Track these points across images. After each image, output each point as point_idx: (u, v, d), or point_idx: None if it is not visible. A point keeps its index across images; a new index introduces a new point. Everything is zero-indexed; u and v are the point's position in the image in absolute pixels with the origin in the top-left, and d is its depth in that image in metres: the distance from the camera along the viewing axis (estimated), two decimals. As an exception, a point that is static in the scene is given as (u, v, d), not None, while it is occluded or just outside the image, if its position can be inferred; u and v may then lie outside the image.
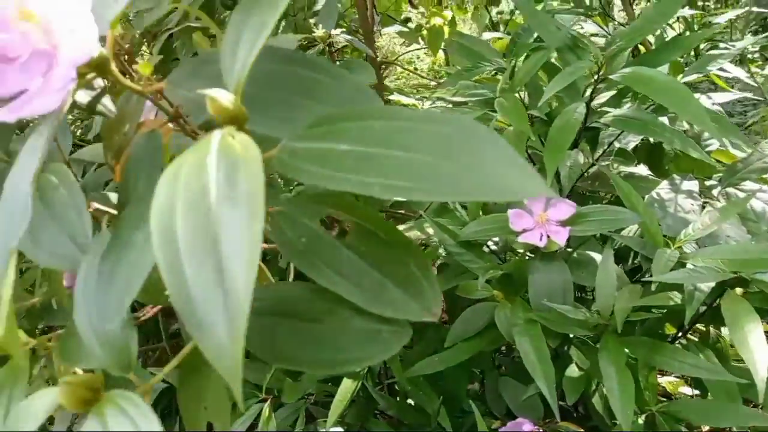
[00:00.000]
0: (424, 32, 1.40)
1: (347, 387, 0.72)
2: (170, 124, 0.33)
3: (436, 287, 0.30)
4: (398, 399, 0.82)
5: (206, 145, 0.23)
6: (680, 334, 0.73)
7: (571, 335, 0.70)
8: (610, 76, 0.71)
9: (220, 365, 0.19)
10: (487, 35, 1.25)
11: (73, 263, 0.30)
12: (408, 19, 1.48)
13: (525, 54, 0.78)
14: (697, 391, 0.88)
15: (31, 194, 0.22)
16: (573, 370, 0.70)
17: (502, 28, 1.55)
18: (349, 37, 1.11)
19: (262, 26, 0.25)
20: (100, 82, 0.32)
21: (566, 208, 0.64)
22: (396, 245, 0.31)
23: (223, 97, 0.24)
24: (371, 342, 0.30)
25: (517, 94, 0.77)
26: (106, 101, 0.32)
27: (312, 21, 1.07)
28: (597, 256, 0.71)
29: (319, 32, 0.89)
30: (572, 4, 0.97)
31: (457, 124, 0.24)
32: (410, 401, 0.79)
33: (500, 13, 1.57)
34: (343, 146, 0.25)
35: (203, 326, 0.19)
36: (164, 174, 0.22)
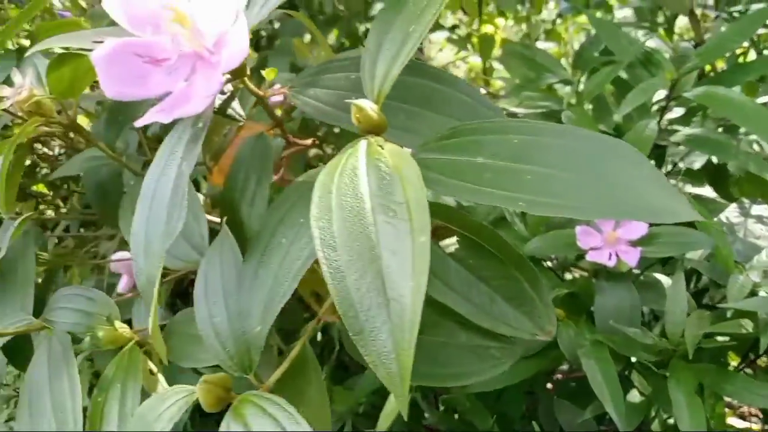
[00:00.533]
0: (474, 40, 1.39)
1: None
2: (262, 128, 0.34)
3: (549, 305, 0.29)
4: (447, 413, 0.81)
5: (354, 153, 0.23)
6: (744, 363, 0.70)
7: (633, 359, 0.69)
8: (684, 94, 0.69)
9: (381, 372, 0.19)
10: (541, 44, 1.24)
11: (191, 264, 0.31)
12: (456, 26, 1.48)
13: (592, 67, 0.77)
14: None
15: (185, 200, 0.22)
16: (634, 395, 0.68)
17: (543, 36, 1.53)
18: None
19: (406, 39, 0.25)
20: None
21: (637, 228, 0.63)
22: (506, 260, 0.31)
23: (369, 107, 0.24)
24: (479, 358, 0.30)
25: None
26: (236, 105, 0.33)
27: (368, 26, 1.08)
28: (663, 279, 0.69)
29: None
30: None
31: (599, 142, 0.24)
32: (458, 416, 0.78)
33: (543, 21, 1.55)
34: (480, 159, 0.24)
35: (364, 332, 0.19)
36: (318, 182, 0.22)
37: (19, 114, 0.31)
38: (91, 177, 0.42)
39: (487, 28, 1.36)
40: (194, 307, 0.28)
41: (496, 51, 1.32)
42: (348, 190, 0.21)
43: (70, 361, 0.30)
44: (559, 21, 1.64)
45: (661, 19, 0.99)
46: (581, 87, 0.81)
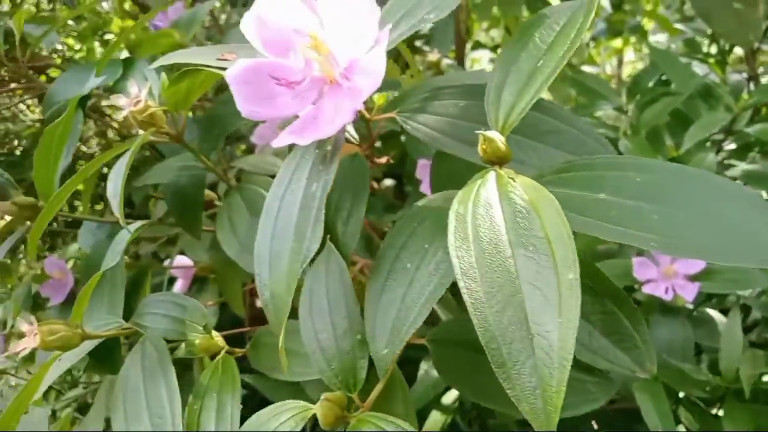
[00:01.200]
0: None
1: (436, 420, 0.71)
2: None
3: (649, 342, 0.29)
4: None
5: (485, 183, 0.23)
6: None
7: (681, 394, 0.67)
8: (746, 129, 0.68)
9: (524, 406, 0.19)
10: (586, 68, 1.24)
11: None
12: (498, 45, 1.49)
13: (651, 97, 0.76)
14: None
15: (320, 223, 0.23)
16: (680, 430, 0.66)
17: (575, 60, 1.52)
18: (450, 61, 1.13)
19: (534, 73, 0.25)
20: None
21: (695, 263, 0.62)
22: (604, 294, 0.30)
23: (498, 138, 0.24)
24: (574, 392, 0.30)
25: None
26: (349, 126, 0.34)
27: (417, 44, 1.09)
28: (715, 315, 0.68)
29: (432, 56, 0.90)
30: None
31: (715, 183, 0.24)
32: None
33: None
34: (602, 195, 0.24)
35: (507, 366, 0.19)
36: (452, 211, 0.22)
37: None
38: (172, 184, 0.42)
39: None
40: (299, 322, 0.28)
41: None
42: (484, 221, 0.22)
43: (167, 367, 0.31)
44: (591, 44, 1.64)
45: (713, 49, 0.99)
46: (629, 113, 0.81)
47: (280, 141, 0.24)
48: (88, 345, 0.33)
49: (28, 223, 0.42)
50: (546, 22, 0.27)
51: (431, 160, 0.67)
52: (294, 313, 0.29)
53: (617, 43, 1.72)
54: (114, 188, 0.29)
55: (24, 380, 1.09)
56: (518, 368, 0.19)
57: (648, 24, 1.50)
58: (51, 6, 1.46)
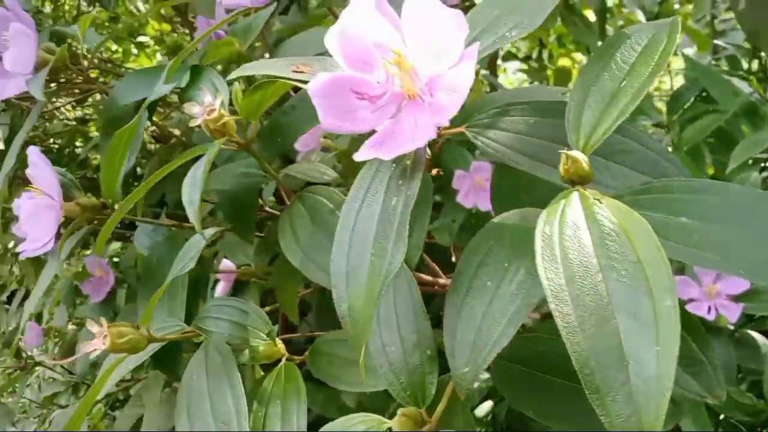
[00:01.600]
0: (549, 72, 1.40)
1: None
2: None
3: (717, 367, 0.29)
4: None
5: (569, 204, 0.23)
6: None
7: (722, 416, 0.66)
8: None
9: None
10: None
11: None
12: (529, 56, 1.48)
13: (691, 113, 0.76)
14: None
15: (402, 239, 0.23)
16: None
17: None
18: (486, 72, 1.12)
19: (617, 93, 0.25)
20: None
21: (739, 283, 0.61)
22: (672, 317, 0.30)
23: (581, 158, 0.24)
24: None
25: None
26: None
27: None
28: (758, 336, 0.67)
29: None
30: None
31: None
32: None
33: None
34: (683, 219, 0.24)
35: (601, 392, 0.19)
36: (539, 231, 0.22)
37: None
38: (228, 190, 0.43)
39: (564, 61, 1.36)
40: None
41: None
42: (572, 243, 0.21)
43: (232, 372, 0.31)
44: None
45: (755, 65, 0.97)
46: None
47: (363, 155, 0.25)
48: (152, 348, 0.33)
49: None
50: (627, 42, 0.27)
51: (467, 172, 0.67)
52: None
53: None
54: (190, 196, 0.29)
55: (56, 373, 1.12)
56: (613, 395, 0.19)
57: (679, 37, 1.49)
58: (91, 8, 1.50)
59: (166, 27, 1.76)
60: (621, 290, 0.20)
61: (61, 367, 1.09)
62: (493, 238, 0.26)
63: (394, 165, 0.27)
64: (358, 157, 0.25)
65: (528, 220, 0.26)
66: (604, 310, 0.20)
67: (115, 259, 1.06)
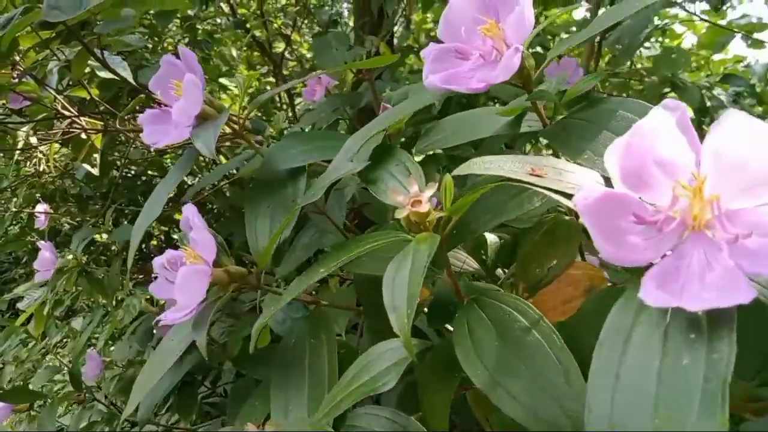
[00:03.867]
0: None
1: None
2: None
3: None
4: None
5: None
6: None
7: None
8: None
9: None
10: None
11: None
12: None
13: None
14: None
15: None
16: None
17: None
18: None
19: None
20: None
21: None
22: None
23: None
24: None
25: None
26: None
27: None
28: None
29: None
30: None
31: None
32: None
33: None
34: None
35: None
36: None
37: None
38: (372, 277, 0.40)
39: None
40: None
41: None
42: None
43: None
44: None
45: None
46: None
47: (651, 297, 0.20)
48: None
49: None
50: None
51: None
52: None
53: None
54: (394, 301, 0.26)
55: (102, 405, 1.07)
56: None
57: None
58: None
59: (254, 74, 1.83)
60: None
61: (112, 403, 1.05)
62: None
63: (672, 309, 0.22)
64: (646, 298, 0.21)
65: None
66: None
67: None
